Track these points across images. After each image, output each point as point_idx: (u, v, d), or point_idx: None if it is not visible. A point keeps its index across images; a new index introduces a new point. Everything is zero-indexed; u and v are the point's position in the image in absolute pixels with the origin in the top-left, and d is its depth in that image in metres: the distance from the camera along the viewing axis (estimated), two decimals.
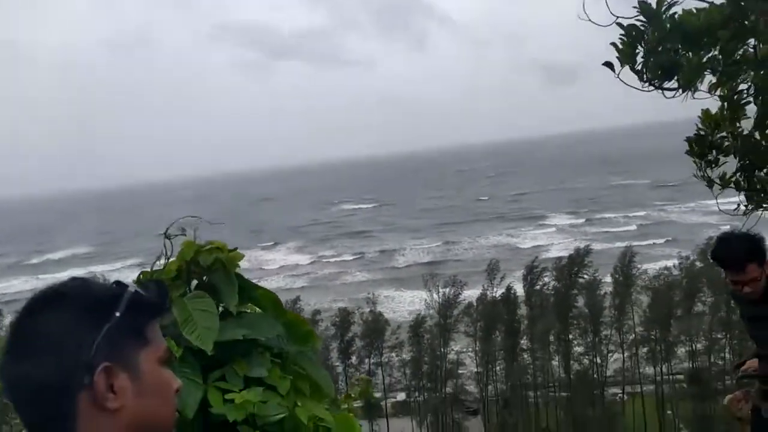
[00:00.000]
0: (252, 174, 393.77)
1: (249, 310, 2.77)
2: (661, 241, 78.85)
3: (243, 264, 2.74)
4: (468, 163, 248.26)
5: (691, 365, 46.64)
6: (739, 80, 4.49)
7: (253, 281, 2.80)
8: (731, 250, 3.43)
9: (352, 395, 3.58)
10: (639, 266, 50.21)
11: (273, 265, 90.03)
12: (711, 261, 3.63)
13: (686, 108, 5.18)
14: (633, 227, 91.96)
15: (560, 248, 73.35)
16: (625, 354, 48.21)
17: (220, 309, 2.59)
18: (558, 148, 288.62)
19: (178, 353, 2.32)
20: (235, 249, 2.76)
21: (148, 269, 2.65)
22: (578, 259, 50.63)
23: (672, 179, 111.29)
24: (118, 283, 1.06)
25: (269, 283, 75.58)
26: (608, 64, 3.95)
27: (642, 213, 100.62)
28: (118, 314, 1.00)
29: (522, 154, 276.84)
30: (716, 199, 5.33)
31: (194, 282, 2.65)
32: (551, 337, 48.48)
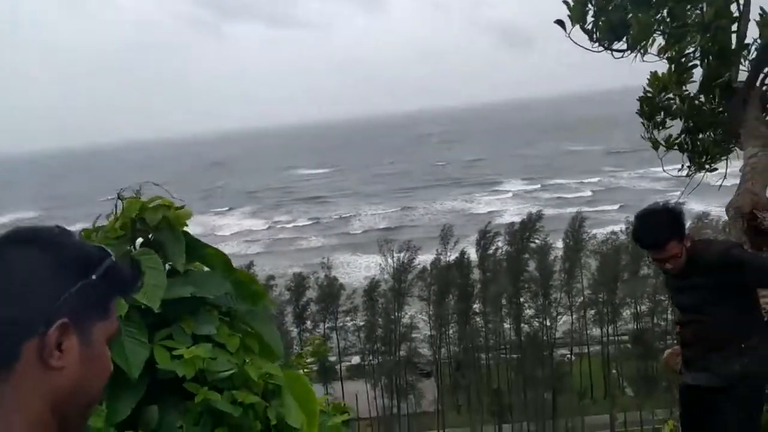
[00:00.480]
0: (204, 138, 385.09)
1: (197, 270, 2.70)
2: (615, 207, 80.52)
3: (196, 229, 2.68)
4: (424, 128, 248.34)
5: (635, 326, 48.35)
6: (686, 43, 4.57)
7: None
8: (649, 230, 3.37)
9: (305, 355, 3.58)
10: (589, 231, 51.49)
11: (227, 231, 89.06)
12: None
13: (641, 75, 5.27)
14: (588, 193, 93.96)
15: (514, 214, 74.46)
16: (574, 316, 49.66)
17: (167, 267, 2.53)
18: (514, 113, 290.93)
19: (124, 311, 2.27)
20: (183, 206, 2.69)
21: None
22: (530, 224, 51.58)
23: (623, 146, 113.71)
24: (101, 248, 1.02)
25: (223, 249, 74.58)
26: (559, 23, 3.96)
27: (595, 179, 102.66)
28: (94, 277, 0.97)
29: (479, 119, 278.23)
30: (661, 160, 5.48)
31: (140, 241, 2.58)
32: (503, 301, 49.51)
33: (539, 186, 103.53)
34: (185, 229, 2.68)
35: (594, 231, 52.76)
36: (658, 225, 3.32)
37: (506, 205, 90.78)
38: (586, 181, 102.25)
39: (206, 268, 2.74)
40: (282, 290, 48.58)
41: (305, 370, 3.24)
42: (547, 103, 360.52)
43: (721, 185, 5.38)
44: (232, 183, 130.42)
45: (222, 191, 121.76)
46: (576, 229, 50.72)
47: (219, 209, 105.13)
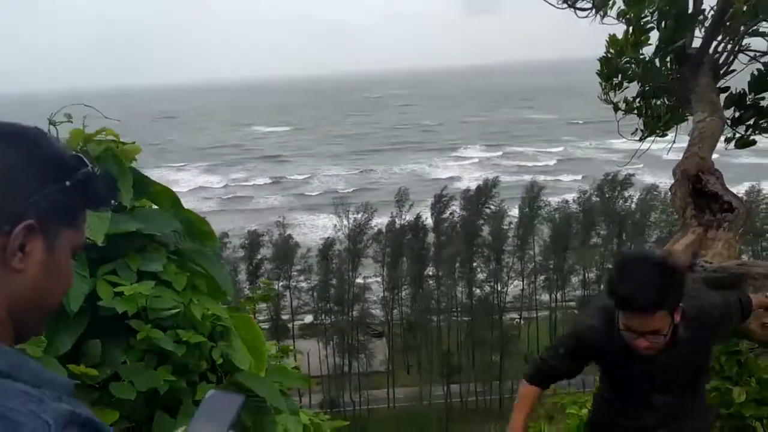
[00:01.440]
0: (153, 90, 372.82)
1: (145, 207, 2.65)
2: (576, 177, 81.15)
3: None
4: (385, 89, 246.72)
5: (582, 293, 49.76)
6: (644, 6, 4.62)
7: None
8: (640, 288, 2.29)
9: (255, 299, 3.57)
10: (545, 199, 52.40)
11: (182, 187, 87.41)
12: (607, 294, 2.43)
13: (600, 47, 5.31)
14: (549, 162, 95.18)
15: (474, 180, 75.06)
16: (525, 281, 50.78)
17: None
18: (476, 79, 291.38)
19: None
20: (133, 142, 2.62)
21: None
22: (486, 190, 52.14)
23: (584, 116, 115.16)
24: (79, 156, 0.97)
25: None
26: None
27: (558, 149, 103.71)
28: (68, 183, 0.93)
29: (441, 83, 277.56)
30: (617, 123, 5.59)
31: None
32: (456, 265, 50.23)
33: (500, 153, 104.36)
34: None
35: (550, 199, 53.73)
36: (651, 282, 2.28)
37: (466, 171, 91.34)
38: (547, 150, 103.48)
39: (155, 207, 2.68)
40: (236, 248, 48.20)
41: (255, 314, 3.23)
42: (507, 70, 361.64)
43: (669, 151, 5.52)
44: (184, 138, 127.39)
45: (174, 146, 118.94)
46: (532, 196, 51.53)
47: (172, 164, 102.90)
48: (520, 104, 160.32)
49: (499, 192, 52.58)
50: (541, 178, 68.96)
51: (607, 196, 51.86)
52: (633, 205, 51.91)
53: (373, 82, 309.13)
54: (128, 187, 2.47)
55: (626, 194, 51.88)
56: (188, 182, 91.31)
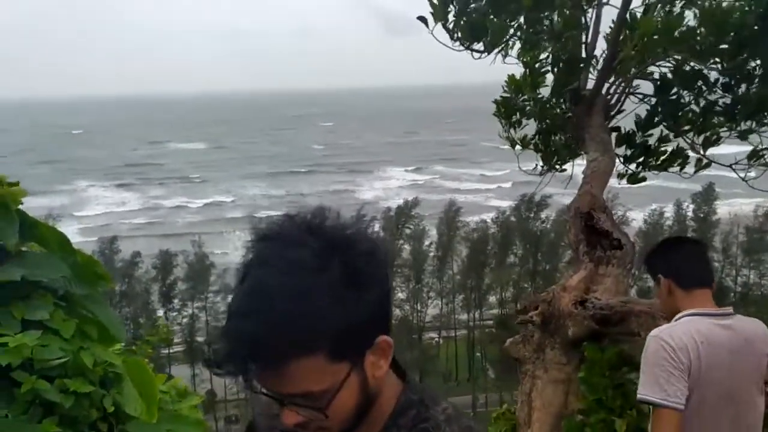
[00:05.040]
0: (59, 103, 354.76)
1: (32, 251, 2.57)
2: (501, 198, 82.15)
3: (52, 204, 2.53)
4: (303, 108, 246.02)
5: (499, 312, 50.92)
6: (540, 50, 4.89)
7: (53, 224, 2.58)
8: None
9: (150, 341, 3.50)
10: (462, 219, 53.46)
11: (94, 205, 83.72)
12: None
13: (515, 70, 5.55)
14: (474, 182, 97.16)
15: (399, 200, 75.57)
16: (443, 301, 51.51)
17: None
18: (398, 100, 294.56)
19: None
20: (17, 183, 2.54)
21: None
22: (406, 210, 52.74)
23: (497, 139, 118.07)
24: None
25: (82, 228, 70.48)
26: (422, 19, 4.09)
27: (481, 171, 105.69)
28: None
29: (360, 102, 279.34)
30: (518, 157, 5.84)
31: None
32: None
33: (425, 173, 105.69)
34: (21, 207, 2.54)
35: (470, 219, 54.80)
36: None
37: (391, 191, 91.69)
38: (470, 171, 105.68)
39: (42, 249, 2.61)
40: (148, 268, 46.62)
41: (150, 352, 3.17)
42: (426, 91, 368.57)
43: (566, 186, 5.81)
44: (95, 154, 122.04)
45: (84, 163, 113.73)
46: (450, 216, 52.47)
47: (81, 183, 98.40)
48: (444, 126, 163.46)
49: (420, 212, 53.28)
50: (462, 198, 70.40)
51: (523, 216, 53.40)
52: (548, 226, 53.65)
53: (289, 102, 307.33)
54: (13, 232, 2.40)
55: (542, 215, 53.50)
56: (101, 201, 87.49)
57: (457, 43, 4.32)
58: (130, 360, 2.62)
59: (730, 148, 5.31)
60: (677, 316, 2.53)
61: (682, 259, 2.65)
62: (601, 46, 5.14)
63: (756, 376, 2.46)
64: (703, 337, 2.38)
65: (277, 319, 0.96)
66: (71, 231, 69.63)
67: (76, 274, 2.53)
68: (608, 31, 5.12)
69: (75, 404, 2.26)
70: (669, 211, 53.92)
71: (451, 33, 4.21)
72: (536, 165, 5.82)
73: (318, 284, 0.98)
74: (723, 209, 52.54)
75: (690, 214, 53.46)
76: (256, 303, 0.99)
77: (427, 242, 51.99)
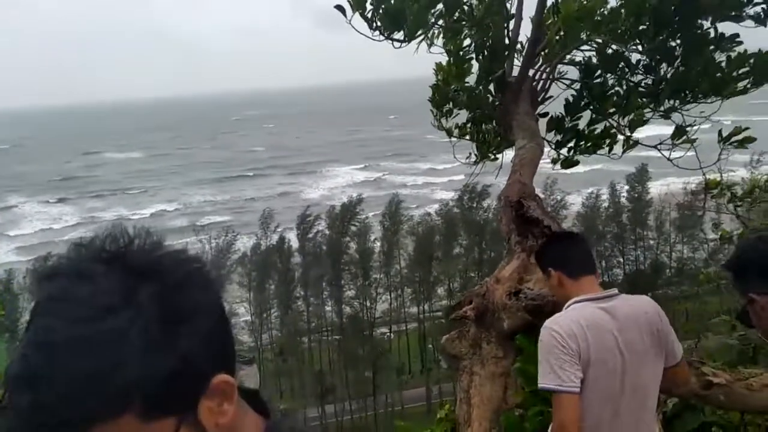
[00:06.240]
0: None
1: None
2: (445, 189, 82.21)
3: None
4: (243, 110, 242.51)
5: (449, 303, 51.29)
6: (463, 37, 4.79)
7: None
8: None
9: None
10: (406, 213, 53.64)
11: (25, 227, 79.75)
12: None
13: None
14: (419, 176, 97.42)
15: (346, 197, 75.06)
16: (392, 295, 51.59)
17: None
18: (338, 97, 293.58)
19: None
20: None
21: None
22: (351, 208, 52.57)
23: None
24: None
25: (18, 247, 67.50)
26: (339, 8, 3.91)
27: (426, 165, 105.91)
28: None
29: (300, 102, 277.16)
30: (453, 147, 5.76)
31: None
32: (324, 284, 50.10)
33: (370, 170, 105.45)
34: None
35: (415, 212, 55.00)
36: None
37: (337, 190, 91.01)
38: (414, 165, 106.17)
39: None
40: None
41: None
42: (365, 88, 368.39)
43: (497, 175, 5.77)
44: (24, 168, 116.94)
45: (14, 178, 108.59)
46: (393, 210, 52.52)
47: (12, 200, 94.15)
48: (389, 122, 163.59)
49: (364, 209, 53.18)
50: (408, 192, 70.39)
51: (466, 206, 53.88)
52: (491, 215, 54.26)
53: (228, 104, 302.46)
54: None
55: (485, 204, 54.02)
56: (35, 218, 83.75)
57: (377, 32, 4.17)
58: None
59: (664, 129, 5.36)
60: (567, 305, 2.78)
61: (567, 251, 2.95)
62: (525, 33, 5.10)
63: (642, 346, 2.66)
64: (588, 321, 2.61)
65: (62, 382, 0.79)
66: (6, 251, 66.75)
67: None
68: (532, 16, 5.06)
69: None
70: (605, 193, 55.36)
71: (369, 22, 4.06)
72: (470, 154, 5.76)
73: (115, 328, 0.81)
74: (656, 189, 54.22)
75: (624, 195, 55.00)
76: (34, 365, 0.80)
77: (372, 238, 51.94)
